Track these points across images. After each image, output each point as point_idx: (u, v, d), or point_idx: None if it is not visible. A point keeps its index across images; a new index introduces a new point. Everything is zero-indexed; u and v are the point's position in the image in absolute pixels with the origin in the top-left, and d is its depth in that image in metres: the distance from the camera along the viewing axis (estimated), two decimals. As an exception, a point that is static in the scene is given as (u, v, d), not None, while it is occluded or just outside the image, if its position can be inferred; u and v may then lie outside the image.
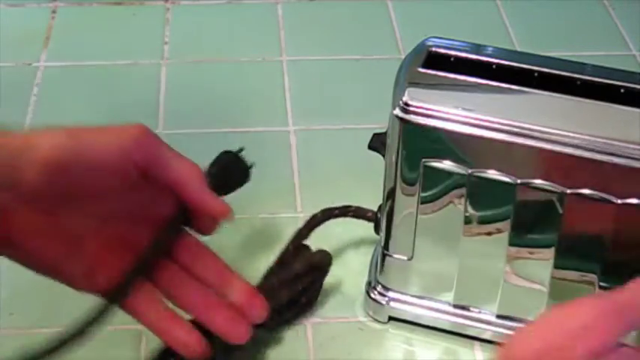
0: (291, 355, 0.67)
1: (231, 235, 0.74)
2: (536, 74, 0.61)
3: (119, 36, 0.96)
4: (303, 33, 0.97)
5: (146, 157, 0.57)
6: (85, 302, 0.68)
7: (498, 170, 0.59)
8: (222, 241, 0.72)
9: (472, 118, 0.59)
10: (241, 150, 0.64)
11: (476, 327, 0.67)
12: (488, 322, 0.66)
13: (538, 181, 0.59)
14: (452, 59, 0.63)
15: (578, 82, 0.61)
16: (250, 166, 0.64)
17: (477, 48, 0.64)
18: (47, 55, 0.92)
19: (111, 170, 0.56)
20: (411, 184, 0.62)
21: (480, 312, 0.66)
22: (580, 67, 0.62)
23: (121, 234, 0.59)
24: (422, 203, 0.62)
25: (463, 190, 0.61)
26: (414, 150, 0.61)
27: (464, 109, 0.59)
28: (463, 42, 0.64)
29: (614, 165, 0.57)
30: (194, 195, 0.58)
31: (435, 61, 0.62)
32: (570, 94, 0.59)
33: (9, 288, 0.71)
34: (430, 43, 0.64)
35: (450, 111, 0.59)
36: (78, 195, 0.56)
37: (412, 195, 0.62)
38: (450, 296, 0.66)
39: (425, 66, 0.62)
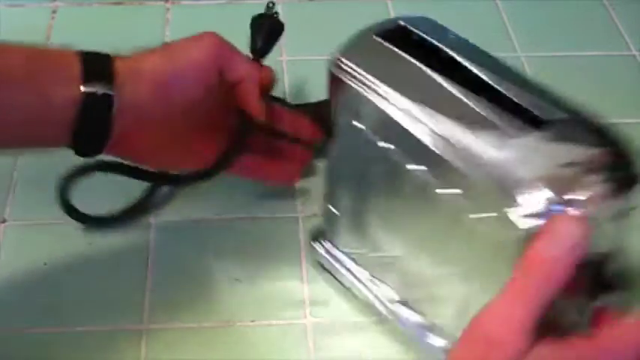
0: (291, 355, 0.67)
1: (234, 235, 0.75)
2: (474, 76, 0.60)
3: (119, 36, 0.95)
4: (303, 33, 0.96)
5: (222, 62, 0.66)
6: (84, 302, 0.68)
7: (398, 149, 0.60)
8: (227, 237, 0.73)
9: (389, 95, 0.59)
10: (271, 7, 0.74)
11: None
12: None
13: (420, 170, 0.58)
14: (412, 38, 0.63)
15: (501, 93, 0.59)
16: (278, 19, 0.74)
17: (446, 37, 0.63)
18: (47, 55, 0.92)
19: (198, 79, 0.65)
20: (338, 140, 0.64)
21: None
22: (520, 81, 0.60)
23: (213, 125, 0.69)
24: (342, 161, 0.64)
25: (376, 159, 0.61)
26: (340, 108, 0.62)
27: (386, 83, 0.59)
28: (442, 29, 0.64)
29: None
30: (244, 94, 0.68)
31: (395, 35, 0.63)
32: (491, 104, 0.57)
33: (9, 288, 0.71)
34: (404, 19, 0.65)
35: (373, 81, 0.60)
36: (176, 105, 0.65)
37: (336, 149, 0.64)
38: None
39: (380, 35, 0.63)
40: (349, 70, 0.62)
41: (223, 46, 0.67)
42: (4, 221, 0.76)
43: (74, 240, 0.74)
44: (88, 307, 0.69)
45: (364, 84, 0.61)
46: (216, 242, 0.74)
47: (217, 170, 0.71)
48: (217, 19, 0.99)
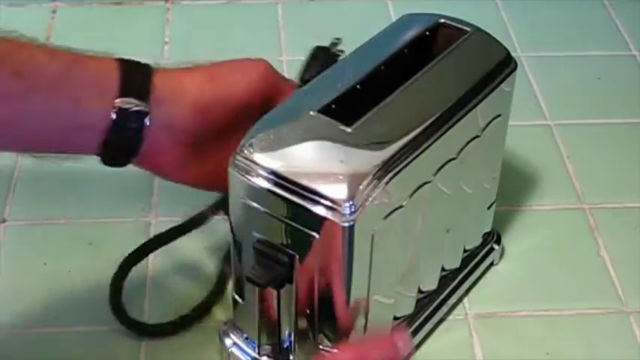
0: None
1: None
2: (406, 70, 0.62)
3: (119, 36, 0.96)
4: (303, 33, 0.96)
5: (268, 91, 0.65)
6: (85, 301, 0.68)
7: None
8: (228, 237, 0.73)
9: None
10: (336, 44, 0.70)
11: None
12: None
13: None
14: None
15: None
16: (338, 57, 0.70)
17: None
18: (47, 55, 0.92)
19: (241, 107, 0.63)
20: None
21: None
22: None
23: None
24: None
25: None
26: None
27: None
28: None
29: None
30: None
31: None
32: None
33: (9, 288, 0.71)
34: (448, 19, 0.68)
35: None
36: (213, 129, 0.63)
37: None
38: None
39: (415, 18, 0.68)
40: None
41: (271, 77, 0.66)
42: (4, 221, 0.76)
43: (74, 240, 0.74)
44: (88, 307, 0.69)
45: None
46: (217, 241, 0.74)
47: None
48: (217, 19, 0.99)
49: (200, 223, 0.69)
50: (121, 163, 0.63)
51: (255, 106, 0.64)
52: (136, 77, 0.61)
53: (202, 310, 0.70)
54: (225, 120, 0.63)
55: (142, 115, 0.60)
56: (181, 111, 0.62)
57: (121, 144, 0.61)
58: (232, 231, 0.60)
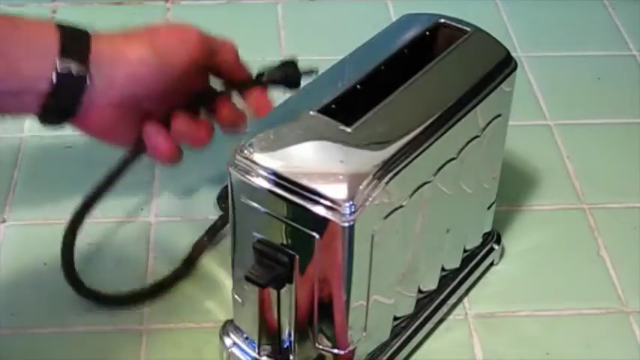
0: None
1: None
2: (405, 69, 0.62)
3: (119, 36, 0.96)
4: (303, 33, 0.97)
5: (204, 60, 0.67)
6: (84, 302, 0.68)
7: None
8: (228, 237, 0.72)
9: None
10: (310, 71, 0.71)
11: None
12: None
13: None
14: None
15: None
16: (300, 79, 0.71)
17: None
18: (47, 55, 0.92)
19: (180, 75, 0.65)
20: None
21: None
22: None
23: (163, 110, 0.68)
24: None
25: None
26: None
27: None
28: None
29: None
30: (231, 68, 0.69)
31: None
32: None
33: (9, 288, 0.71)
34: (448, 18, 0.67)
35: None
36: (151, 97, 0.65)
37: None
38: None
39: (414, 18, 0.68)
40: None
41: (206, 45, 0.67)
42: (4, 221, 0.76)
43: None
44: (88, 308, 0.69)
45: None
46: (217, 242, 0.74)
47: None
48: (217, 19, 0.99)
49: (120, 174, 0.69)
50: (57, 123, 0.64)
51: (192, 74, 0.66)
52: (75, 42, 0.62)
53: (166, 282, 0.70)
54: (163, 87, 0.65)
55: (82, 79, 0.61)
56: (121, 78, 0.63)
57: (60, 107, 0.62)
58: (232, 231, 0.60)
